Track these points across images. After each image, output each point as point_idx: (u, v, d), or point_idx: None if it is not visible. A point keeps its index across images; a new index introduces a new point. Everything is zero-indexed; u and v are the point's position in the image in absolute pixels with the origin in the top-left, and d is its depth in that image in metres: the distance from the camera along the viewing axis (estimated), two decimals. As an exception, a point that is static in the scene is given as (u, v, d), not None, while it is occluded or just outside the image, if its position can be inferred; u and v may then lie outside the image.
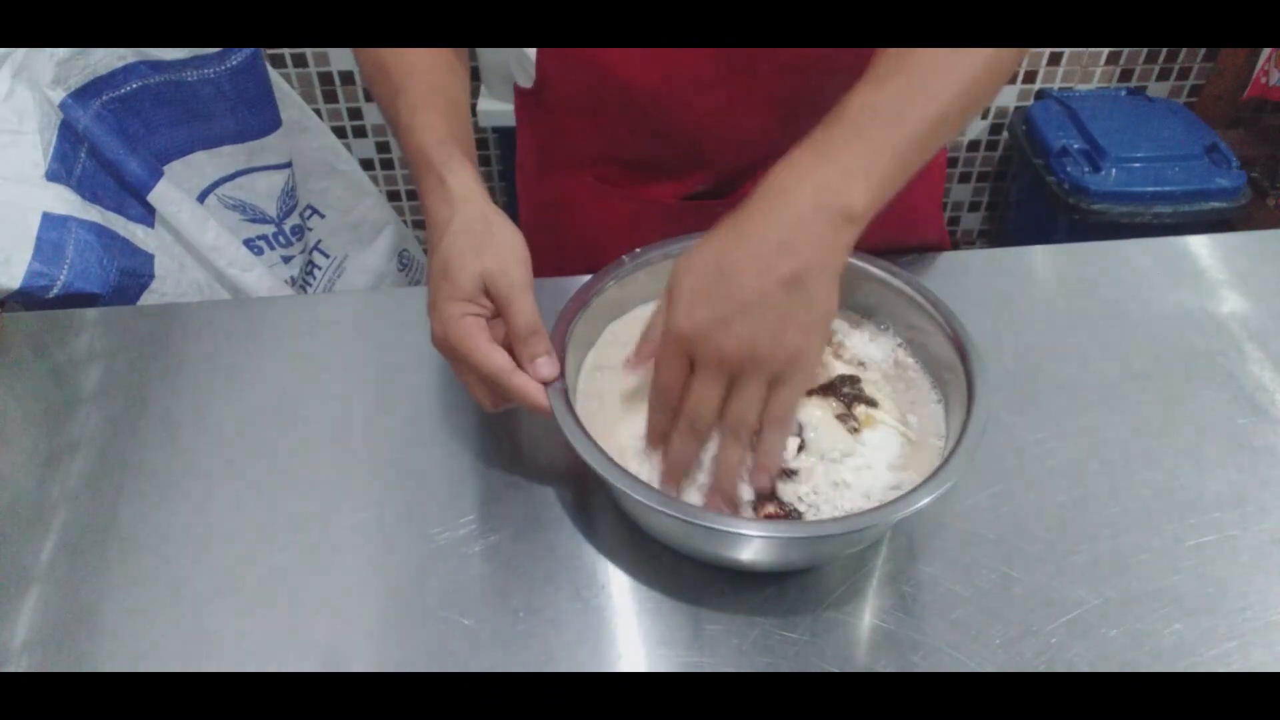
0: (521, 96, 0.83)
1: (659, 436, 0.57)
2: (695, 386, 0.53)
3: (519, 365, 0.58)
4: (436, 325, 0.58)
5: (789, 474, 0.58)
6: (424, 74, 0.65)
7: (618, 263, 0.67)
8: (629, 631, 0.57)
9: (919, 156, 0.54)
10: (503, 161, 1.94)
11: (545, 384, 0.58)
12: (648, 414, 0.57)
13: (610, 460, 0.54)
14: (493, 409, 0.61)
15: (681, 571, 0.59)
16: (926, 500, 0.52)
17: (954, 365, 0.61)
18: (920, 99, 0.54)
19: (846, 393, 0.62)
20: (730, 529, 0.52)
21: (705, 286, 0.51)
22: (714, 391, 0.52)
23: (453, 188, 0.59)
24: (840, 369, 0.64)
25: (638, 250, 0.67)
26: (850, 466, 0.59)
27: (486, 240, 0.57)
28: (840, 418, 0.61)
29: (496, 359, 0.57)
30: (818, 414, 0.61)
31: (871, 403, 0.62)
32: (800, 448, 0.59)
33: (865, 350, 0.66)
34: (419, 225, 2.04)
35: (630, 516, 0.61)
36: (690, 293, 0.52)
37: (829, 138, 0.54)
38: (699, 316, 0.51)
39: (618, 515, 0.63)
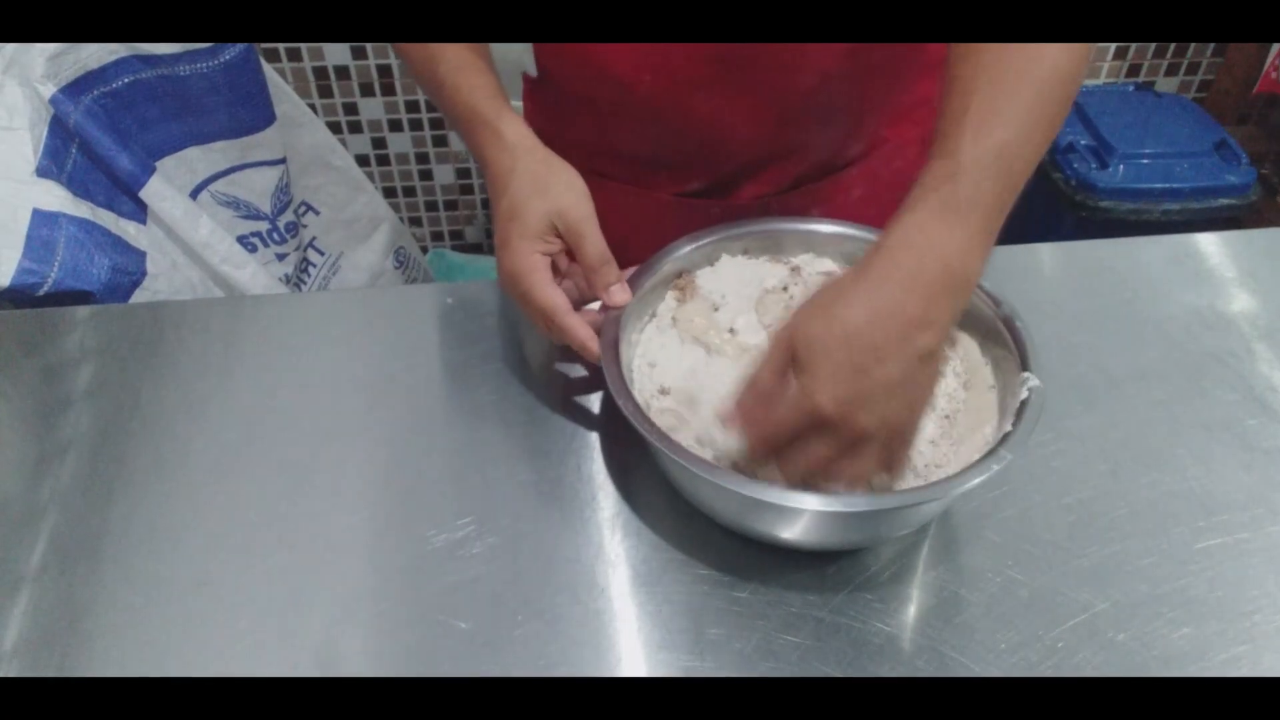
0: (529, 85, 0.83)
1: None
2: (817, 448, 0.51)
3: (595, 294, 0.62)
4: (506, 262, 0.62)
5: None
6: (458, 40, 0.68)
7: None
8: (629, 635, 0.56)
9: (1013, 203, 0.54)
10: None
11: (618, 309, 0.62)
12: (749, 444, 0.55)
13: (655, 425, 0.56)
14: (556, 342, 0.64)
15: (683, 575, 0.59)
16: (984, 477, 0.52)
17: (999, 336, 0.62)
18: (1023, 146, 0.53)
19: None
20: (783, 502, 0.52)
21: (848, 364, 0.49)
22: (834, 453, 0.51)
23: (510, 137, 0.63)
24: None
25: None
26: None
27: (550, 181, 0.62)
28: None
29: (553, 297, 0.60)
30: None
31: None
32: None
33: None
34: (415, 222, 2.03)
35: (682, 489, 0.61)
36: (833, 369, 0.50)
37: (954, 199, 0.52)
38: (843, 395, 0.49)
39: (619, 517, 0.62)
